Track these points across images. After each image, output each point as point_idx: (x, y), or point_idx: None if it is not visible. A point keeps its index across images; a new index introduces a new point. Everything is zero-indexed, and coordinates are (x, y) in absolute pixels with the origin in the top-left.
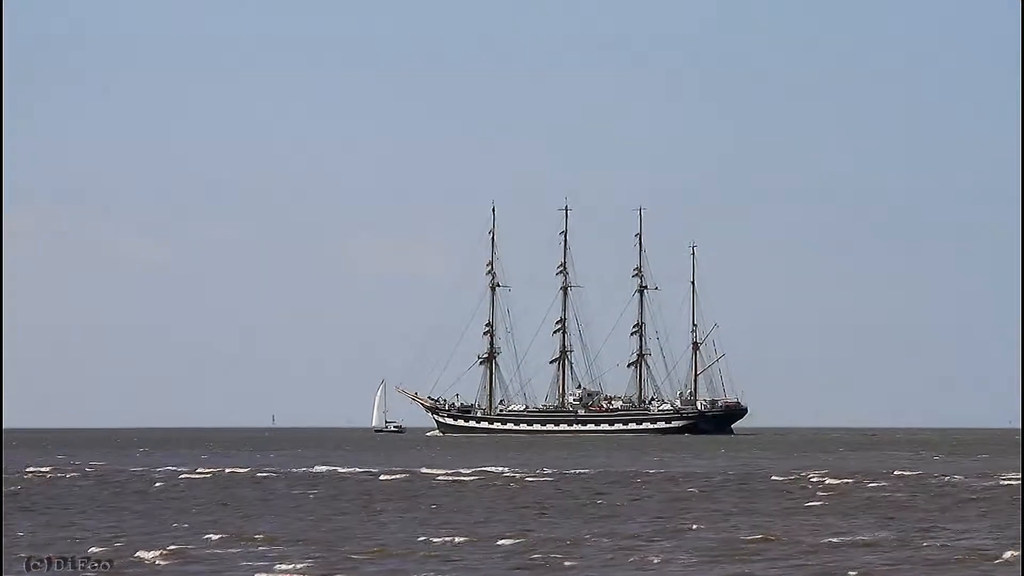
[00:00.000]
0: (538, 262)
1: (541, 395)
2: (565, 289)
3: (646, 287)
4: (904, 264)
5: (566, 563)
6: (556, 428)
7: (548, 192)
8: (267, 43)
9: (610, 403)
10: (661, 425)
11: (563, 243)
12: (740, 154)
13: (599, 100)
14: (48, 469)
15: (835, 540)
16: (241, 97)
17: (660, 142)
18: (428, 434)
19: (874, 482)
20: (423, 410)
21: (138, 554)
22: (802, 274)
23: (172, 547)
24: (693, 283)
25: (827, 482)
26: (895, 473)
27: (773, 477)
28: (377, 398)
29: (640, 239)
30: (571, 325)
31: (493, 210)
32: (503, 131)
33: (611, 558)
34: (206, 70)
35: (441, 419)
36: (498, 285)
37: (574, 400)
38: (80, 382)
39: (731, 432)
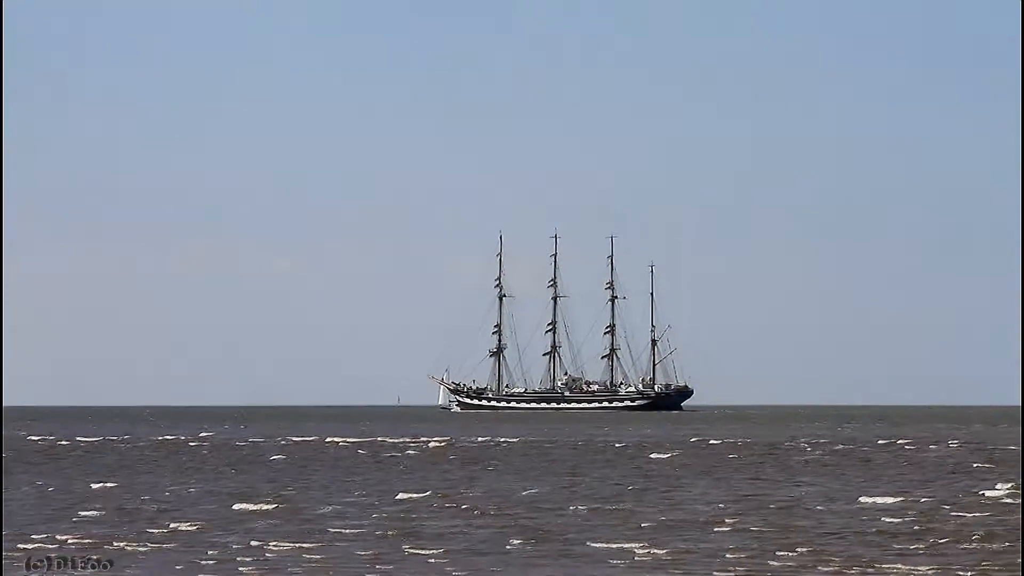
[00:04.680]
0: (535, 278)
1: (537, 380)
2: (555, 299)
3: (616, 297)
4: (815, 271)
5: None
6: (548, 406)
7: (542, 223)
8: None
9: (589, 386)
10: (627, 404)
11: (553, 263)
12: (689, 189)
13: (576, 149)
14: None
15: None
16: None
17: (628, 181)
18: (452, 410)
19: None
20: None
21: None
22: (736, 285)
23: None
24: (652, 294)
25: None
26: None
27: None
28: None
29: (612, 260)
30: (560, 327)
31: (500, 238)
32: (508, 174)
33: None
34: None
35: (461, 399)
36: (504, 295)
37: (562, 384)
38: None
39: (681, 409)
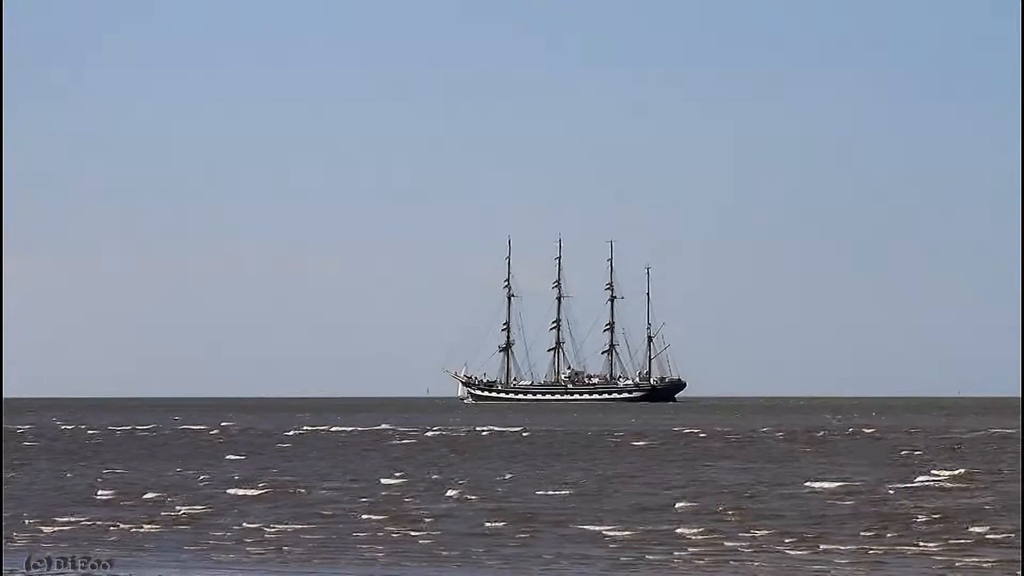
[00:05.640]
0: (540, 279)
1: (542, 374)
2: (559, 298)
3: (615, 297)
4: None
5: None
6: (552, 397)
7: (547, 228)
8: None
9: (590, 379)
10: (626, 395)
11: (558, 265)
12: (683, 192)
13: (577, 158)
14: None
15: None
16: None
17: (625, 192)
18: (464, 401)
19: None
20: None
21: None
22: (724, 287)
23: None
24: (648, 294)
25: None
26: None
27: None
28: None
29: (611, 263)
30: (563, 324)
31: (509, 242)
32: (516, 183)
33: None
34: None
35: (473, 391)
36: (512, 295)
37: (565, 377)
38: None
39: (675, 400)
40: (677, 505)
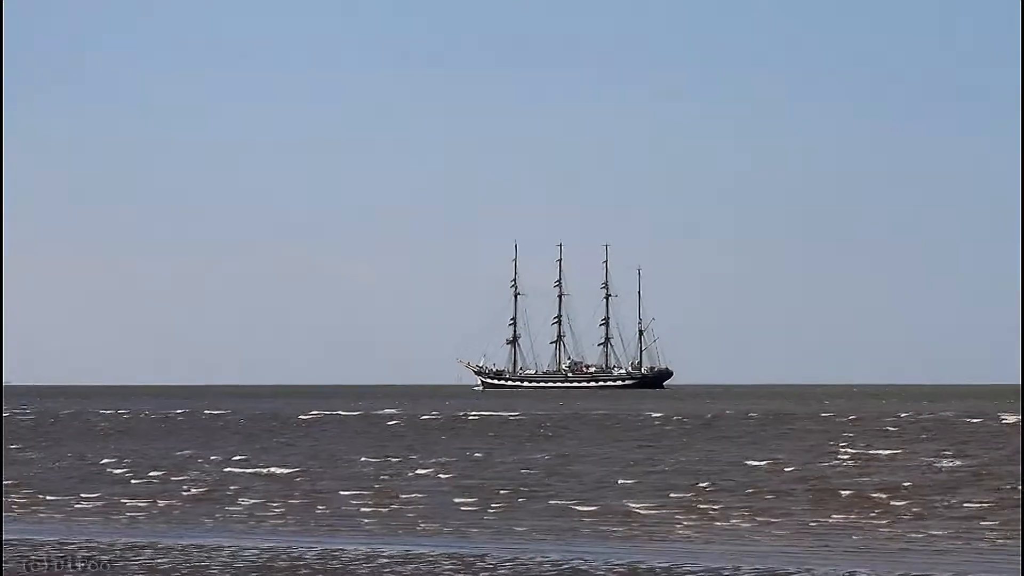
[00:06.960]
0: (543, 279)
1: (545, 364)
2: (560, 296)
3: (610, 295)
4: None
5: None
6: (553, 385)
7: (549, 234)
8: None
9: (588, 369)
10: (619, 383)
11: (559, 267)
12: (679, 200)
13: (580, 165)
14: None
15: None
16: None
17: (620, 196)
18: (475, 388)
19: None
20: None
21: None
22: (707, 286)
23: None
24: (639, 292)
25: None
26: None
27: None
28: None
29: (606, 264)
30: (564, 319)
31: (515, 246)
32: (521, 193)
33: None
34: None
35: (483, 379)
36: (519, 294)
37: (565, 367)
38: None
39: (663, 387)
40: (635, 482)
